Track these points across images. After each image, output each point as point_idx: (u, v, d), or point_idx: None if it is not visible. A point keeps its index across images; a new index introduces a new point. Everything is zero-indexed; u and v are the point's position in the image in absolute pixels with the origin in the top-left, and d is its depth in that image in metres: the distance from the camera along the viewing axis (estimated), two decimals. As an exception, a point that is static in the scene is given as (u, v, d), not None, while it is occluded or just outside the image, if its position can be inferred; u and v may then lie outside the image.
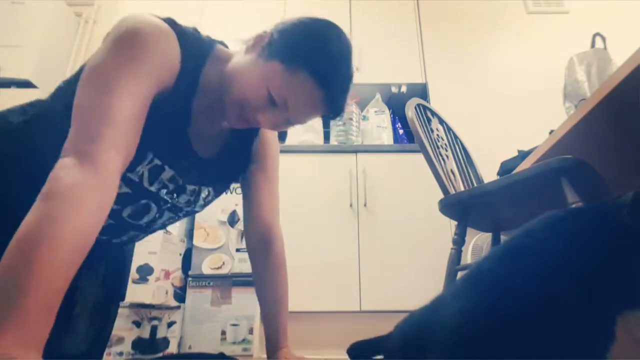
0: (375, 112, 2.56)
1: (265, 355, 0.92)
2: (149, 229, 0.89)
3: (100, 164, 0.56)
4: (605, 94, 0.89)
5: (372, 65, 2.71)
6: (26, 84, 2.50)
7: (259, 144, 0.95)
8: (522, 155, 1.69)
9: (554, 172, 0.99)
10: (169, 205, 0.84)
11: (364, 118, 2.56)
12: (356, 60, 2.68)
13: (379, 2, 2.88)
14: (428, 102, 2.50)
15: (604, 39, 1.63)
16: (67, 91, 0.73)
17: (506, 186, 1.09)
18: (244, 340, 1.72)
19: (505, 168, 1.78)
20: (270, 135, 0.98)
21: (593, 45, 1.63)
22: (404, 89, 2.66)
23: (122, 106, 0.61)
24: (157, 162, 0.75)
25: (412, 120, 1.35)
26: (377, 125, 2.50)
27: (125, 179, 0.73)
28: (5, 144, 0.71)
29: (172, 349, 1.67)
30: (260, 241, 0.95)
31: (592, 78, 1.49)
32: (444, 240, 1.99)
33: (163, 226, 0.92)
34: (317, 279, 1.99)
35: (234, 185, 1.53)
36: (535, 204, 1.11)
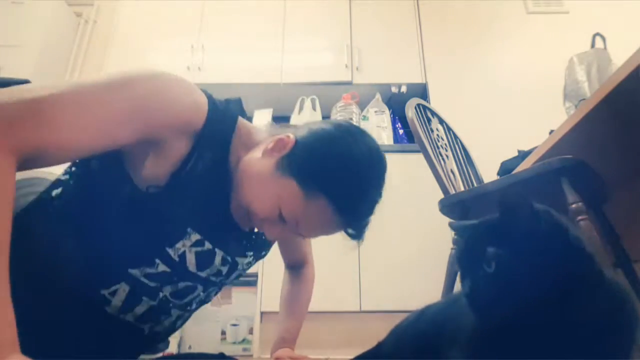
0: (375, 112, 2.56)
1: (265, 355, 0.92)
2: (190, 309, 0.80)
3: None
4: (605, 94, 0.89)
5: (372, 65, 2.71)
6: (26, 84, 2.50)
7: None
8: (522, 155, 1.68)
9: (554, 172, 0.99)
10: (216, 284, 0.79)
11: (364, 118, 2.56)
12: (356, 60, 2.68)
13: (379, 2, 2.88)
14: (428, 102, 2.49)
15: (604, 39, 1.63)
16: (79, 184, 0.68)
17: (506, 186, 1.09)
18: (244, 340, 1.72)
19: (505, 168, 1.77)
20: None
21: (593, 45, 1.63)
22: (404, 89, 2.66)
23: (79, 106, 0.54)
24: (208, 245, 0.69)
25: (412, 120, 1.35)
26: (377, 125, 2.50)
27: (162, 255, 0.66)
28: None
29: (172, 349, 1.67)
30: (293, 267, 1.05)
31: (592, 78, 1.49)
32: (444, 241, 1.99)
33: (205, 301, 0.84)
34: (317, 279, 1.99)
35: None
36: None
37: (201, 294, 0.77)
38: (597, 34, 1.64)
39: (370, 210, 0.69)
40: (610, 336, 0.44)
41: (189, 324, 1.72)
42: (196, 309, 0.83)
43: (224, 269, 0.75)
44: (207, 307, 1.72)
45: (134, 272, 0.66)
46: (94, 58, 2.89)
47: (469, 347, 0.50)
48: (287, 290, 1.04)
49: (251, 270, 0.97)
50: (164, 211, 0.64)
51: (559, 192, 0.97)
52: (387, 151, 2.47)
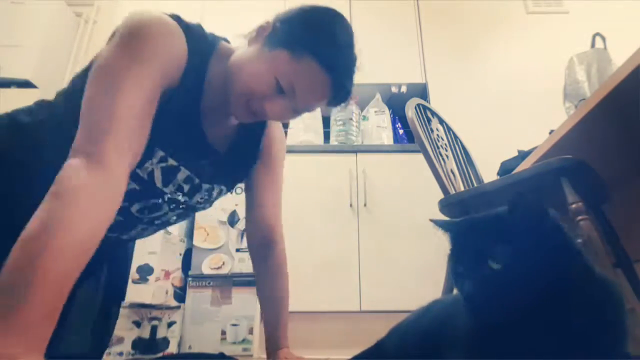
0: (375, 112, 2.56)
1: (265, 355, 0.92)
2: (157, 224, 0.88)
3: (108, 165, 0.56)
4: (605, 94, 0.89)
5: (372, 65, 2.70)
6: (26, 84, 2.50)
7: (266, 142, 0.95)
8: (522, 155, 1.68)
9: (554, 172, 0.99)
10: (181, 204, 0.84)
11: (364, 118, 2.56)
12: (356, 54, 2.68)
13: (379, 2, 2.88)
14: (428, 102, 2.49)
15: (604, 39, 1.63)
16: (72, 92, 0.73)
17: (506, 186, 1.09)
18: (244, 340, 1.72)
19: (505, 168, 1.77)
20: (277, 135, 0.98)
21: (593, 45, 1.63)
22: (404, 89, 2.66)
23: (129, 105, 0.61)
24: (172, 162, 0.75)
25: (412, 120, 1.35)
26: (377, 125, 2.50)
27: (132, 175, 0.71)
28: (13, 143, 0.71)
29: (172, 349, 1.67)
30: (262, 242, 0.95)
31: (592, 78, 1.49)
32: (444, 241, 1.98)
33: (172, 222, 0.91)
34: (317, 279, 1.99)
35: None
36: (535, 204, 1.11)
37: (169, 214, 0.84)
38: (597, 34, 1.64)
39: (350, 67, 0.76)
40: (605, 329, 0.44)
41: (189, 324, 1.72)
42: (165, 225, 0.90)
43: (186, 187, 0.80)
44: (207, 307, 1.74)
45: None
46: (94, 58, 2.89)
47: (467, 347, 0.50)
48: (264, 284, 0.95)
49: (251, 270, 0.96)
50: None
51: (559, 192, 0.97)
52: (387, 151, 2.49)
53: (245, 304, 1.76)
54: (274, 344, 0.90)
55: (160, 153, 0.73)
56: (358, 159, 2.26)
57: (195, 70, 0.72)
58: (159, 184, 0.76)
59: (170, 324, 1.70)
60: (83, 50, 2.94)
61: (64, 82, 2.80)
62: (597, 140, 1.06)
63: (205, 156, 0.80)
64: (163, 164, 0.74)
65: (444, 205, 1.27)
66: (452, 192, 1.27)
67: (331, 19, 0.76)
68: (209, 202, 0.90)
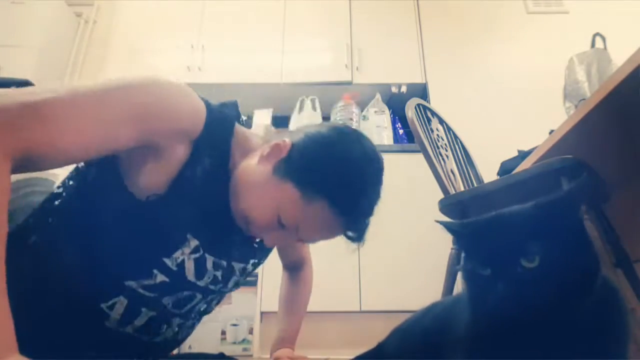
0: (375, 112, 2.56)
1: (265, 355, 0.92)
2: (192, 318, 0.78)
3: None
4: (605, 94, 0.89)
5: (372, 65, 2.71)
6: (26, 84, 2.48)
7: None
8: (522, 155, 1.68)
9: (554, 172, 0.99)
10: (215, 294, 0.77)
11: (364, 118, 2.56)
12: (356, 60, 2.68)
13: (379, 2, 2.88)
14: (428, 102, 2.49)
15: (604, 39, 1.63)
16: (77, 194, 0.68)
17: (506, 186, 1.09)
18: (244, 340, 1.72)
19: (505, 168, 1.77)
20: None
21: (593, 45, 1.63)
22: (404, 89, 2.66)
23: (78, 110, 0.54)
24: (202, 252, 0.68)
25: (412, 120, 1.35)
26: (377, 125, 2.50)
27: (160, 265, 0.65)
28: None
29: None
30: (293, 266, 1.05)
31: (592, 78, 1.49)
32: (444, 241, 1.98)
33: (207, 312, 0.83)
34: (317, 279, 1.99)
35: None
36: (535, 204, 1.11)
37: (201, 302, 0.75)
38: (597, 34, 1.64)
39: (369, 211, 0.68)
40: (609, 332, 0.44)
41: (189, 324, 1.72)
42: (199, 319, 0.82)
43: (218, 274, 0.73)
44: (207, 307, 1.73)
45: (131, 284, 0.65)
46: (94, 58, 2.89)
47: (470, 347, 0.50)
48: (285, 291, 1.05)
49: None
50: (163, 219, 0.63)
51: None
52: (387, 151, 2.49)
53: (245, 304, 1.76)
54: (279, 343, 0.93)
55: (195, 242, 0.66)
56: (358, 159, 2.25)
57: (216, 146, 0.66)
58: (190, 277, 0.68)
59: (170, 324, 1.70)
60: (83, 50, 2.94)
61: (63, 82, 2.80)
62: (597, 140, 1.06)
63: (236, 241, 0.73)
64: (196, 255, 0.67)
65: (444, 205, 1.27)
66: (452, 192, 1.27)
67: (354, 151, 0.66)
68: (244, 278, 0.84)
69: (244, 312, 1.75)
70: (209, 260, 0.70)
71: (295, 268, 1.06)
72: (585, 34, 1.69)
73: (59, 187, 0.71)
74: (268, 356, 0.94)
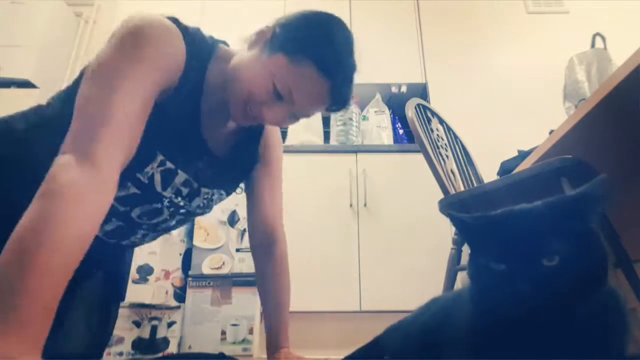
0: (375, 112, 2.56)
1: (265, 355, 0.92)
2: (158, 230, 0.87)
3: (99, 164, 0.56)
4: (605, 94, 0.89)
5: (372, 65, 2.70)
6: (26, 84, 2.50)
7: (264, 145, 0.95)
8: (522, 155, 1.68)
9: (554, 172, 0.99)
10: (181, 209, 0.84)
11: (364, 118, 2.56)
12: (356, 60, 2.68)
13: (379, 2, 2.88)
14: (428, 102, 2.49)
15: (604, 39, 1.63)
16: (67, 98, 0.73)
17: (506, 186, 1.09)
18: (244, 340, 1.72)
19: (505, 168, 1.78)
20: (274, 137, 0.98)
21: (593, 45, 1.63)
22: (404, 89, 2.66)
23: (124, 105, 0.60)
24: (169, 165, 0.74)
25: (412, 120, 1.35)
26: (377, 125, 2.50)
27: (133, 179, 0.72)
28: (9, 150, 0.71)
29: (172, 349, 1.67)
30: (264, 242, 0.95)
31: (592, 78, 1.49)
32: (444, 240, 1.99)
33: (173, 228, 0.90)
34: (317, 279, 1.99)
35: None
36: (535, 204, 1.11)
37: (169, 220, 0.84)
38: (597, 34, 1.64)
39: (349, 73, 0.75)
40: (609, 331, 0.44)
41: (189, 324, 1.72)
42: (166, 231, 0.91)
43: (185, 191, 0.80)
44: (207, 307, 1.73)
45: None
46: (94, 58, 2.89)
47: (471, 345, 0.50)
48: (264, 281, 0.95)
49: (251, 270, 0.97)
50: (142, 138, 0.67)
51: (559, 192, 0.97)
52: (387, 151, 2.49)
53: (245, 304, 1.76)
54: (274, 344, 0.90)
55: (160, 157, 0.72)
56: (358, 159, 2.26)
57: (194, 72, 0.72)
58: (158, 188, 0.76)
59: (170, 324, 1.70)
60: (83, 50, 2.94)
61: (64, 82, 2.80)
62: (597, 140, 1.06)
63: (202, 158, 0.79)
64: (162, 168, 0.74)
65: (444, 205, 1.28)
66: (452, 192, 1.27)
67: (331, 24, 0.75)
68: (208, 206, 0.90)
69: (244, 312, 1.75)
70: (181, 176, 0.77)
71: (266, 244, 0.95)
72: (585, 34, 1.69)
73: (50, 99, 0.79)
74: (267, 356, 0.93)
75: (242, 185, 0.98)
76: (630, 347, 0.45)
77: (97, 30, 3.03)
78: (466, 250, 2.11)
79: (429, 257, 1.99)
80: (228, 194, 0.93)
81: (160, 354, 1.64)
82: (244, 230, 1.87)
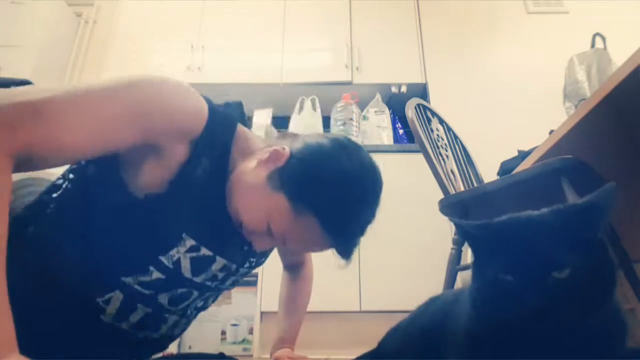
0: (375, 112, 2.56)
1: (265, 355, 0.92)
2: (187, 314, 0.79)
3: None
4: (605, 94, 0.89)
5: (372, 65, 2.71)
6: (26, 84, 2.49)
7: None
8: (522, 155, 1.68)
9: (554, 172, 0.99)
10: (211, 289, 0.77)
11: (364, 118, 2.56)
12: (356, 60, 2.68)
13: (379, 2, 2.88)
14: (428, 102, 2.49)
15: (604, 39, 1.63)
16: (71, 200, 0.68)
17: (506, 186, 1.09)
18: (244, 340, 1.72)
19: (505, 168, 1.77)
20: None
21: (593, 45, 1.63)
22: (404, 89, 2.66)
23: (78, 110, 0.54)
24: (205, 252, 0.68)
25: (412, 120, 1.35)
26: (377, 125, 2.50)
27: (156, 263, 0.66)
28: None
29: (172, 348, 1.67)
30: (291, 269, 1.05)
31: (592, 78, 1.49)
32: (444, 240, 1.99)
33: (203, 308, 0.83)
34: (317, 279, 1.99)
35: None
36: (536, 204, 1.11)
37: (197, 299, 0.76)
38: (597, 34, 1.64)
39: (360, 232, 0.67)
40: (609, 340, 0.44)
41: (189, 324, 1.72)
42: (194, 315, 0.82)
43: (220, 275, 0.74)
44: (207, 307, 1.73)
45: (128, 280, 0.65)
46: (94, 58, 2.89)
47: (470, 347, 0.50)
48: (285, 290, 1.05)
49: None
50: (160, 218, 0.63)
51: (559, 192, 0.97)
52: (387, 151, 2.49)
53: (245, 304, 1.76)
54: (279, 343, 0.93)
55: (190, 242, 0.66)
56: (358, 159, 2.25)
57: (218, 149, 0.66)
58: (187, 274, 0.69)
59: (170, 324, 1.70)
60: (83, 50, 2.95)
61: (63, 82, 2.80)
62: (597, 140, 1.06)
63: (237, 237, 0.70)
64: (193, 254, 0.67)
65: (444, 205, 1.28)
66: (452, 192, 1.27)
67: (353, 171, 0.65)
68: (242, 276, 0.84)
69: (244, 312, 1.75)
70: (219, 262, 0.71)
71: (295, 268, 1.06)
72: (585, 34, 1.69)
73: (58, 179, 0.71)
74: (268, 356, 0.94)
75: None
76: (630, 344, 0.45)
77: (97, 30, 3.03)
78: (466, 250, 2.11)
79: (429, 257, 1.98)
80: (261, 263, 0.87)
81: (160, 354, 1.64)
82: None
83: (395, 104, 2.68)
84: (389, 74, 2.67)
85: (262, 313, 1.80)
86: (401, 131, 2.65)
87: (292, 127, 2.53)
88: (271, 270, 1.90)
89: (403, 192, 2.18)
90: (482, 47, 2.79)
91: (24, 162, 0.52)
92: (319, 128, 2.51)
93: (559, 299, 0.42)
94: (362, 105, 2.60)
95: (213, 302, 0.85)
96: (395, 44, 2.77)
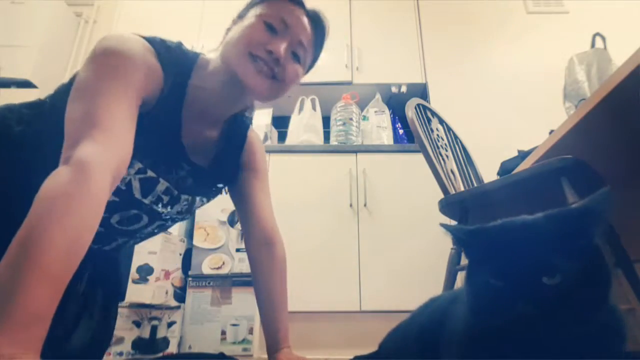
0: (375, 112, 2.56)
1: (265, 355, 0.92)
2: (136, 236, 0.90)
3: (89, 172, 0.55)
4: (605, 94, 0.89)
5: (372, 65, 2.71)
6: (26, 84, 2.50)
7: (249, 152, 0.97)
8: (522, 155, 1.68)
9: (554, 172, 0.99)
10: (161, 216, 0.86)
11: (364, 118, 2.56)
12: (356, 60, 2.68)
13: (379, 2, 2.88)
14: (428, 102, 2.50)
15: (604, 39, 1.63)
16: (60, 97, 0.73)
17: (506, 186, 1.09)
18: (244, 340, 1.72)
19: (505, 168, 1.77)
20: (257, 144, 1.01)
21: (593, 45, 1.63)
22: (404, 89, 2.66)
23: (108, 110, 0.62)
24: (151, 174, 0.76)
25: (412, 120, 1.35)
26: (377, 125, 2.50)
27: None
28: (8, 151, 0.72)
29: (172, 349, 1.67)
30: (263, 245, 0.95)
31: (592, 78, 1.49)
32: (444, 240, 1.99)
33: (151, 234, 0.93)
34: (317, 279, 1.99)
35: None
36: (536, 204, 1.11)
37: (147, 224, 0.85)
38: (597, 34, 1.64)
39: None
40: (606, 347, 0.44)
41: (188, 324, 1.72)
42: (143, 238, 0.93)
43: (165, 198, 0.82)
44: (207, 307, 1.73)
45: None
46: (94, 58, 2.89)
47: (467, 348, 0.50)
48: (265, 282, 0.96)
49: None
50: None
51: (559, 192, 0.97)
52: (387, 151, 2.49)
53: (245, 304, 1.77)
54: (275, 345, 0.90)
55: (138, 164, 0.74)
56: (358, 159, 2.26)
57: (173, 87, 0.74)
58: (137, 194, 0.77)
59: (170, 324, 1.70)
60: (83, 50, 2.94)
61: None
62: (597, 140, 1.06)
63: (183, 167, 0.81)
64: (141, 175, 0.76)
65: (444, 205, 1.28)
66: (452, 192, 1.27)
67: None
68: (189, 212, 0.92)
69: (244, 312, 1.75)
70: (162, 184, 0.79)
71: (268, 246, 0.95)
72: (585, 34, 1.69)
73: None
74: (267, 356, 0.93)
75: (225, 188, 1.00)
76: (629, 346, 0.45)
77: (97, 30, 3.03)
78: (466, 250, 2.10)
79: (429, 257, 1.98)
80: (209, 200, 0.96)
81: (160, 354, 1.64)
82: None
83: (395, 104, 2.68)
84: (389, 74, 2.68)
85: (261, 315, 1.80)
86: (401, 131, 2.65)
87: (292, 127, 2.53)
88: (271, 270, 1.91)
89: (403, 192, 2.18)
90: (482, 47, 2.79)
91: (118, 177, 0.61)
92: (319, 128, 2.51)
93: (550, 305, 0.41)
94: (362, 105, 2.60)
95: (163, 230, 0.95)
96: (395, 44, 2.77)
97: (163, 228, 0.93)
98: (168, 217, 0.88)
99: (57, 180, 0.54)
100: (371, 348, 0.79)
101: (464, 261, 1.32)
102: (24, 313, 0.45)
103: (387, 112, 2.59)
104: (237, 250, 1.87)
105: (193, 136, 0.80)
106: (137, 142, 0.68)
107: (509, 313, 0.42)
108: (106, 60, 0.67)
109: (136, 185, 0.76)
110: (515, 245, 0.44)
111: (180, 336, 1.72)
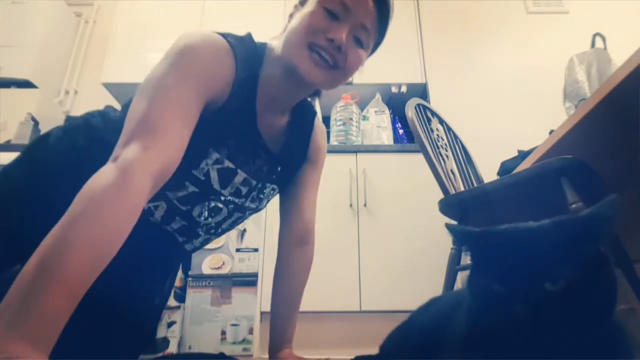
0: (375, 112, 2.56)
1: (265, 355, 0.92)
2: (217, 232, 0.90)
3: (129, 169, 0.56)
4: (605, 94, 0.89)
5: (372, 65, 2.70)
6: (26, 84, 2.50)
7: (313, 145, 0.96)
8: (522, 155, 1.69)
9: (554, 172, 0.99)
10: (238, 207, 0.86)
11: (364, 118, 2.56)
12: None
13: (379, 2, 2.87)
14: (428, 102, 2.50)
15: (604, 39, 1.63)
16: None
17: (506, 186, 1.09)
18: (244, 340, 1.72)
19: (505, 168, 1.78)
20: (322, 138, 1.00)
21: (593, 45, 1.63)
22: (404, 89, 2.66)
23: (165, 112, 0.62)
24: (228, 164, 0.77)
25: (412, 120, 1.35)
26: (377, 125, 2.50)
27: (189, 177, 0.75)
28: (88, 143, 0.75)
29: (172, 349, 1.67)
30: (299, 243, 0.97)
31: (592, 78, 1.49)
32: (444, 240, 1.99)
33: (228, 229, 0.92)
34: (317, 279, 1.99)
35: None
36: (536, 203, 1.11)
37: (227, 219, 0.86)
38: (597, 34, 1.64)
39: None
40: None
41: (188, 324, 1.72)
42: (221, 233, 0.92)
43: (243, 190, 0.82)
44: (207, 307, 1.73)
45: (170, 195, 0.77)
46: (94, 58, 2.89)
47: (467, 349, 0.50)
48: (289, 280, 0.97)
49: (251, 270, 0.97)
50: (194, 135, 0.68)
51: (559, 192, 0.97)
52: (387, 151, 2.49)
53: (245, 304, 1.76)
54: (280, 344, 0.91)
55: (216, 155, 0.75)
56: (358, 159, 2.26)
57: (246, 79, 0.75)
58: (216, 185, 0.78)
59: (170, 324, 1.70)
60: (83, 50, 2.95)
61: (63, 82, 2.80)
62: (597, 140, 1.06)
63: (260, 156, 0.81)
64: (219, 166, 0.76)
65: (444, 205, 1.28)
66: (452, 192, 1.27)
67: None
68: (261, 203, 0.92)
69: (244, 312, 1.75)
70: (240, 175, 0.79)
71: (300, 244, 0.97)
72: (585, 34, 1.69)
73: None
74: (267, 356, 0.93)
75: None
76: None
77: (97, 30, 3.03)
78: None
79: (429, 257, 1.98)
80: (280, 189, 0.95)
81: (160, 354, 1.64)
82: (244, 230, 1.87)
83: (395, 104, 2.68)
84: (389, 74, 2.67)
85: (262, 313, 1.80)
86: (401, 131, 2.65)
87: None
88: (271, 271, 1.90)
89: (403, 192, 2.18)
90: (482, 47, 2.79)
91: (160, 181, 0.61)
92: (319, 128, 2.51)
93: (551, 312, 0.40)
94: (362, 105, 2.60)
95: (239, 223, 0.94)
96: (395, 44, 2.76)
97: (239, 221, 0.92)
98: (245, 207, 0.88)
99: (99, 181, 0.55)
100: (371, 348, 0.79)
101: (464, 261, 1.33)
102: (40, 314, 0.45)
103: (387, 112, 2.59)
104: (237, 250, 1.87)
105: (266, 124, 0.81)
106: (213, 133, 0.70)
107: (509, 317, 0.42)
108: (178, 59, 0.69)
109: (214, 176, 0.76)
110: (520, 250, 0.44)
111: (180, 336, 1.71)
